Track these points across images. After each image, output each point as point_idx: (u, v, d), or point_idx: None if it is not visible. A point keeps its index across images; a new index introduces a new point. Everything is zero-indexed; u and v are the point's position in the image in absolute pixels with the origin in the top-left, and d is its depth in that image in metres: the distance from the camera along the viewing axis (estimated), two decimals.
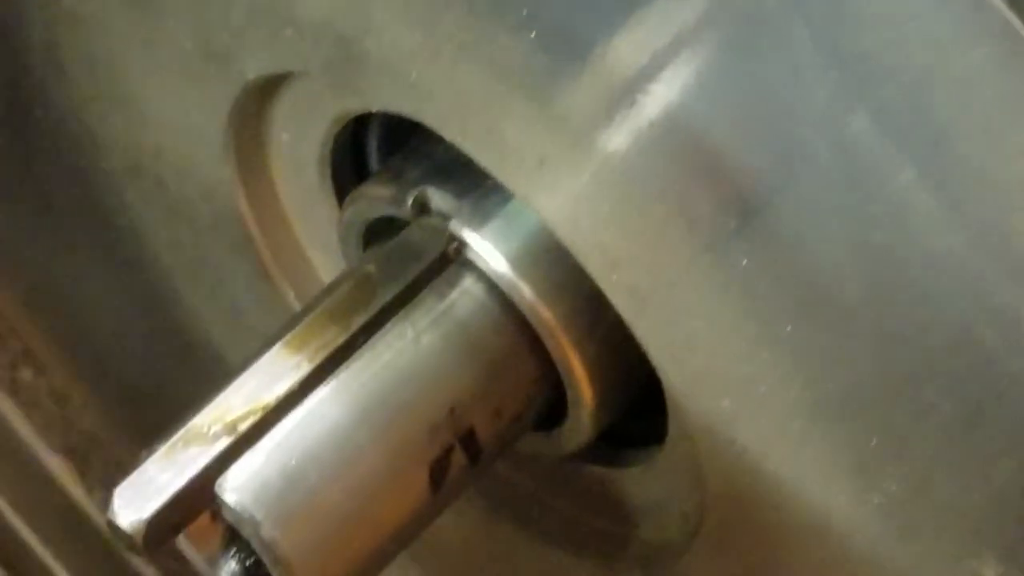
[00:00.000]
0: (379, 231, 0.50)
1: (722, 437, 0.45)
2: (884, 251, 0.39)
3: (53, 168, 0.47)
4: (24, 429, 0.71)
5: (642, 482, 0.50)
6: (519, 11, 0.40)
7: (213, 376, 0.49)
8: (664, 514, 0.50)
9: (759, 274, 0.41)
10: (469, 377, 0.48)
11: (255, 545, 0.46)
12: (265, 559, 0.46)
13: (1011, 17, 0.35)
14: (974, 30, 0.35)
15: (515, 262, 0.47)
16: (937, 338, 0.39)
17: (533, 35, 0.41)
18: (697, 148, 0.40)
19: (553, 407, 0.49)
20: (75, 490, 0.71)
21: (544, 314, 0.47)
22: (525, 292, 0.47)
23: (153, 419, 0.49)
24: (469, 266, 0.48)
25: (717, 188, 0.40)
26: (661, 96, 0.40)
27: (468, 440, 0.47)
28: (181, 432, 0.46)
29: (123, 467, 0.47)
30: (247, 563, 0.47)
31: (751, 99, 0.39)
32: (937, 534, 0.43)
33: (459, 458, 0.47)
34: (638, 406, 0.49)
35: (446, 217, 0.48)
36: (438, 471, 0.47)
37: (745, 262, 0.41)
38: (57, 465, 0.71)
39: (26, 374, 0.69)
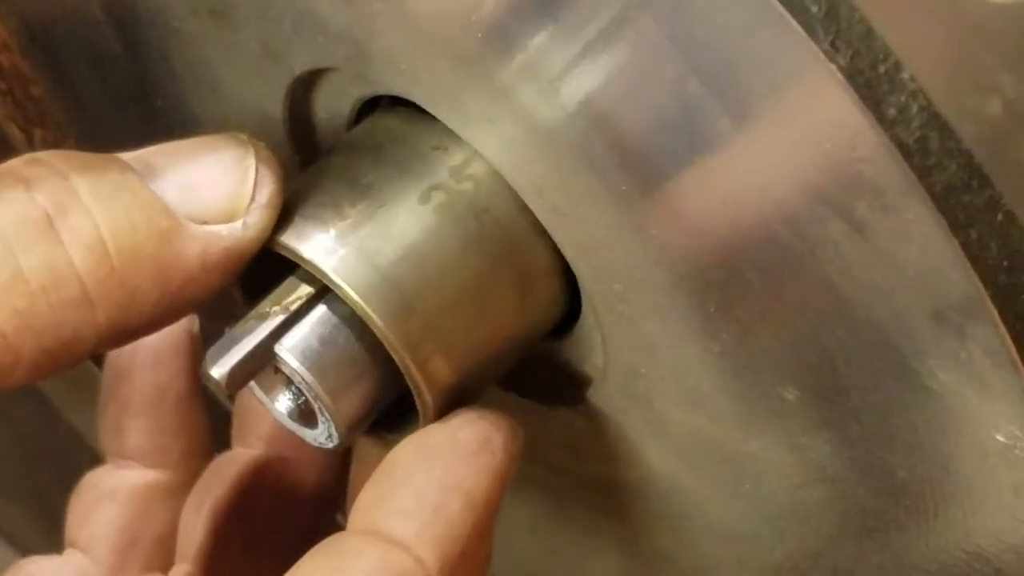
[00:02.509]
0: None
1: (615, 310, 0.47)
2: (709, 175, 0.41)
3: (168, 140, 0.49)
4: None
5: (570, 346, 0.52)
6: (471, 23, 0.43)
7: None
8: (585, 365, 0.52)
9: (633, 194, 0.43)
10: None
11: (302, 388, 0.48)
12: (309, 397, 0.48)
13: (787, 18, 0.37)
14: (761, 19, 0.37)
15: None
16: (749, 234, 0.42)
17: (480, 36, 0.43)
18: (594, 114, 0.42)
19: None
20: None
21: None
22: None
23: None
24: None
25: (606, 139, 0.42)
26: (573, 81, 0.42)
27: None
28: (252, 311, 0.48)
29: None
30: (298, 401, 0.50)
31: (631, 80, 0.41)
32: (756, 371, 0.45)
33: None
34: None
35: None
36: None
37: (624, 188, 0.43)
38: None
39: None
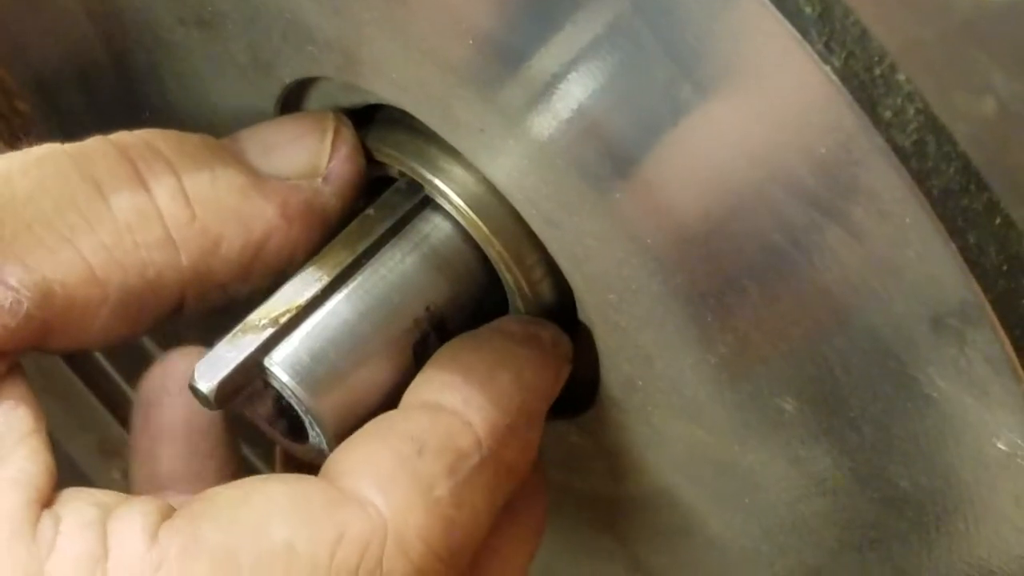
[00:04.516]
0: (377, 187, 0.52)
1: (609, 321, 0.47)
2: (703, 182, 0.41)
3: None
4: None
5: None
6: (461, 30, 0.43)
7: None
8: (578, 378, 0.52)
9: (627, 204, 0.43)
10: (439, 285, 0.50)
11: (292, 402, 0.48)
12: (299, 411, 0.48)
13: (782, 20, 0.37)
14: (755, 21, 0.37)
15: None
16: (745, 242, 0.41)
17: (470, 43, 0.43)
18: (586, 122, 0.42)
19: (499, 306, 0.52)
20: None
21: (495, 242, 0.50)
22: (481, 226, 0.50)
23: None
24: (439, 208, 0.50)
25: (598, 147, 0.42)
26: (566, 88, 0.42)
27: (439, 327, 0.50)
28: (240, 325, 0.48)
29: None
30: (288, 415, 0.49)
31: (623, 87, 0.41)
32: (753, 381, 0.45)
33: (433, 340, 0.50)
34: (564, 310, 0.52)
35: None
36: (419, 349, 0.49)
37: (618, 196, 0.43)
38: None
39: None
